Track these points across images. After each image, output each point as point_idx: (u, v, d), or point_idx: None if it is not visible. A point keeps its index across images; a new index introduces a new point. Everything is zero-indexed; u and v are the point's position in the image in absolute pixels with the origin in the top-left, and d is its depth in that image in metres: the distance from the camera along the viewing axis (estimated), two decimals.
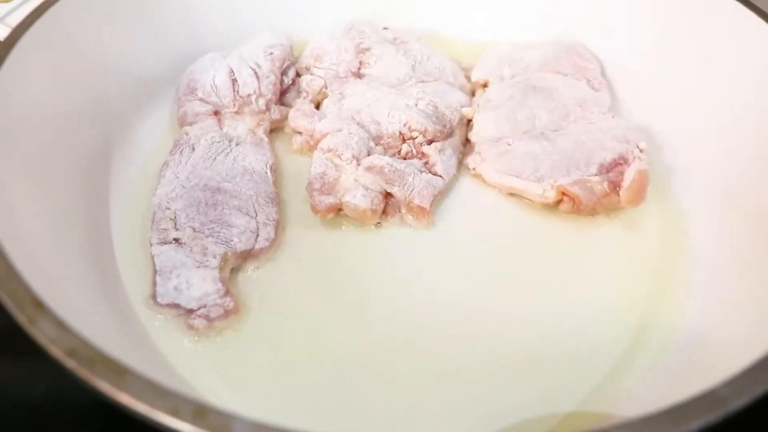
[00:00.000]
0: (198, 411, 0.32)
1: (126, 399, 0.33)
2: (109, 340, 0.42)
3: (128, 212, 0.65)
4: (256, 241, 0.60)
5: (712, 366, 0.49)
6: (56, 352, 0.36)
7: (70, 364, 0.36)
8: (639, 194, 0.62)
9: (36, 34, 0.60)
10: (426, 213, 0.63)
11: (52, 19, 0.62)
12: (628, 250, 0.63)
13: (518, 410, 0.51)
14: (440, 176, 0.66)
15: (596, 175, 0.64)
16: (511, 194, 0.67)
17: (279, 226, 0.63)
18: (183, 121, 0.71)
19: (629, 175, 0.63)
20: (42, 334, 0.37)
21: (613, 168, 0.64)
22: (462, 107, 0.71)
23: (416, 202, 0.63)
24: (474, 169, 0.68)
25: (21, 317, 0.38)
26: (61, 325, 0.38)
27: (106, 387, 0.34)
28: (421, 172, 0.65)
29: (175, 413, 0.32)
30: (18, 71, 0.58)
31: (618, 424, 0.35)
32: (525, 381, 0.53)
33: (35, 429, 0.54)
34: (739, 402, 0.37)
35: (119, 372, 0.35)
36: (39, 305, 0.38)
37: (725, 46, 0.67)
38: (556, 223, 0.65)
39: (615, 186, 0.63)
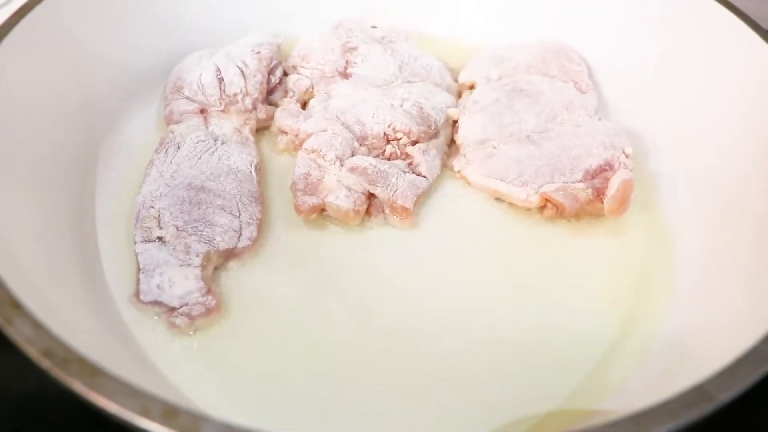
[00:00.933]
0: (167, 411, 0.33)
1: (98, 399, 0.34)
2: (89, 338, 0.43)
3: (114, 210, 0.65)
4: (238, 240, 0.61)
5: (695, 363, 0.49)
6: (31, 351, 0.37)
7: (44, 363, 0.36)
8: (623, 204, 0.63)
9: (23, 31, 0.60)
10: (409, 213, 0.63)
11: (40, 17, 0.63)
12: (612, 251, 0.64)
13: (504, 407, 0.52)
14: (424, 176, 0.66)
15: (581, 181, 0.64)
16: (496, 197, 0.67)
17: (262, 225, 0.63)
18: (169, 120, 0.71)
19: (613, 185, 0.63)
20: (18, 333, 0.37)
21: (599, 174, 0.64)
22: (448, 108, 0.72)
23: (399, 202, 0.63)
24: (459, 171, 0.68)
25: None
26: (37, 325, 0.38)
27: (79, 387, 0.35)
28: (405, 172, 0.66)
29: (145, 413, 0.33)
30: (4, 67, 0.58)
31: (607, 423, 0.35)
32: (509, 379, 0.54)
33: (25, 422, 0.55)
34: (724, 397, 0.37)
35: (92, 372, 0.35)
36: (16, 305, 0.39)
37: (712, 51, 0.67)
38: (540, 226, 0.65)
39: (599, 193, 0.63)
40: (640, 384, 0.52)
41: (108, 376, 0.35)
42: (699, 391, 0.38)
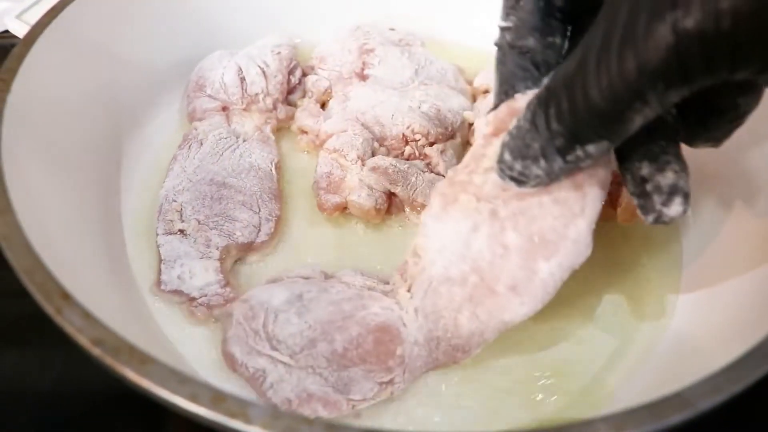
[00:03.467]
0: (215, 397, 0.35)
1: (149, 386, 0.36)
2: (125, 328, 0.44)
3: (138, 204, 0.67)
4: (257, 235, 0.63)
5: (696, 368, 0.49)
6: (83, 341, 0.39)
7: (95, 352, 0.38)
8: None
9: (53, 32, 0.62)
10: None
11: (68, 19, 0.65)
12: (614, 253, 0.65)
13: (501, 413, 0.53)
14: (443, 175, 0.68)
15: None
16: None
17: (280, 221, 0.66)
18: (192, 117, 0.73)
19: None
20: (69, 323, 0.39)
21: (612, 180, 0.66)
22: (464, 111, 0.74)
23: (419, 200, 0.65)
24: None
25: (49, 308, 0.40)
26: (86, 314, 0.40)
27: (130, 374, 0.37)
28: (424, 172, 0.68)
29: (194, 399, 0.35)
30: (37, 68, 0.60)
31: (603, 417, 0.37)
32: (508, 383, 0.55)
33: (42, 421, 0.56)
34: (706, 404, 0.38)
35: (142, 360, 0.37)
36: (66, 296, 0.41)
37: None
38: None
39: (611, 198, 0.64)
40: (638, 390, 0.53)
41: (158, 364, 0.37)
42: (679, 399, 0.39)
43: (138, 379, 0.36)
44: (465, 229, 0.51)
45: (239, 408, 0.34)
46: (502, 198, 0.50)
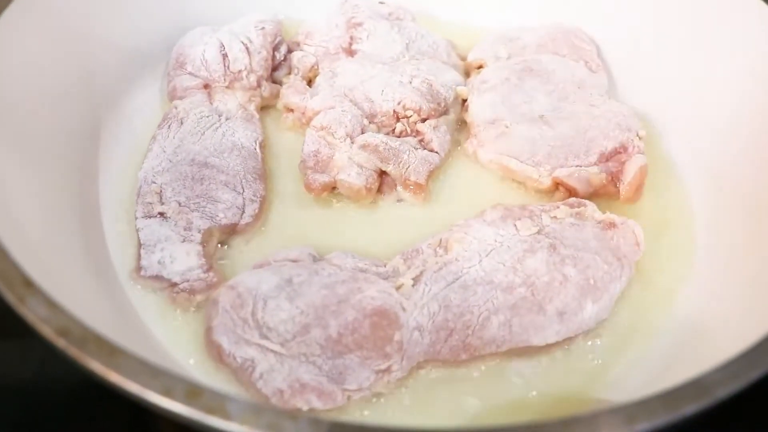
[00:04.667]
0: (191, 391, 0.32)
1: (117, 379, 0.33)
2: (97, 317, 0.41)
3: (117, 188, 0.64)
4: (241, 217, 0.60)
5: (701, 354, 0.49)
6: (46, 331, 0.36)
7: (60, 343, 0.35)
8: (638, 191, 0.62)
9: (21, 7, 0.59)
10: (422, 188, 0.63)
11: None
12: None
13: (511, 393, 0.52)
14: (436, 152, 0.65)
15: (595, 164, 0.63)
16: (508, 178, 0.66)
17: (265, 202, 0.62)
18: (173, 96, 0.70)
19: (630, 171, 0.62)
20: (32, 313, 0.36)
21: (613, 157, 0.63)
22: (457, 86, 0.71)
23: (412, 178, 0.62)
24: (473, 153, 0.67)
25: (10, 297, 0.37)
26: (51, 303, 0.37)
27: (97, 366, 0.34)
28: (416, 149, 0.65)
29: (167, 393, 0.32)
30: (4, 46, 0.56)
31: (612, 408, 0.34)
32: (517, 364, 0.53)
33: (23, 410, 0.54)
34: (726, 391, 0.36)
35: (110, 351, 0.34)
36: (28, 284, 0.38)
37: (725, 29, 0.66)
38: None
39: (613, 177, 0.62)
40: (644, 374, 0.52)
41: (127, 355, 0.34)
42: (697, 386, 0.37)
43: (105, 372, 0.33)
44: (521, 246, 0.54)
45: (217, 403, 0.31)
46: (561, 240, 0.55)
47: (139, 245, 0.58)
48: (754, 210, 0.58)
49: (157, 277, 0.56)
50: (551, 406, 0.50)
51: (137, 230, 0.58)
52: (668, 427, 0.35)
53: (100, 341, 0.35)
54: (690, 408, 0.35)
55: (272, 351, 0.49)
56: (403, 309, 0.51)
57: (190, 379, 0.33)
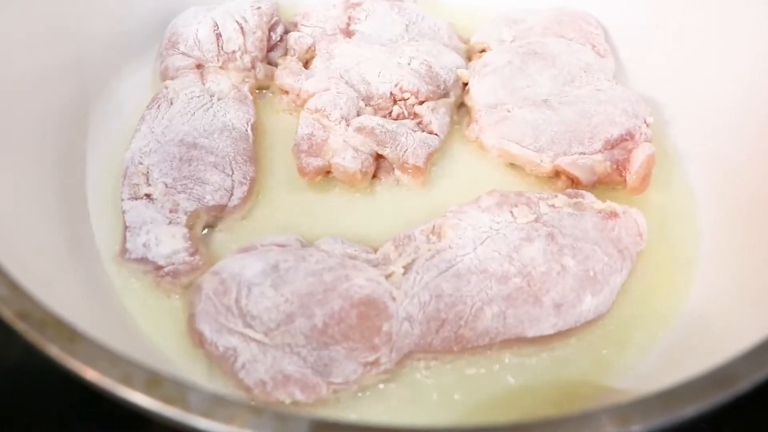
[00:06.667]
0: (151, 380, 0.30)
1: (75, 365, 0.31)
2: (72, 299, 0.40)
3: (105, 171, 0.62)
4: (229, 199, 0.58)
5: (710, 345, 0.47)
6: (6, 313, 0.34)
7: (20, 326, 0.33)
8: (645, 180, 0.59)
9: None
10: (421, 171, 0.60)
11: None
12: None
13: (503, 388, 0.50)
14: (436, 134, 0.63)
15: (600, 151, 0.60)
16: (509, 164, 0.64)
17: (255, 185, 0.61)
18: (165, 76, 0.68)
19: (637, 159, 0.59)
20: None
21: (618, 144, 0.61)
22: (458, 69, 0.68)
23: (411, 161, 0.60)
24: (476, 138, 0.65)
25: None
26: (12, 285, 0.35)
27: (55, 352, 0.32)
28: (414, 131, 0.62)
29: (126, 381, 0.30)
30: None
31: (632, 401, 0.32)
32: (511, 357, 0.51)
33: (9, 397, 0.53)
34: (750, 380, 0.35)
35: (70, 336, 0.32)
36: None
37: (735, 12, 0.63)
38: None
39: (618, 166, 0.59)
40: (654, 363, 0.51)
41: (87, 341, 0.32)
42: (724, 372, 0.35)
43: (64, 357, 0.31)
44: (517, 234, 0.52)
45: (177, 393, 0.29)
46: (560, 229, 0.52)
47: (125, 227, 0.56)
48: (760, 200, 0.56)
49: (142, 260, 0.54)
50: (543, 402, 0.48)
51: (123, 212, 0.57)
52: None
53: (60, 325, 0.33)
54: (687, 411, 0.33)
55: (255, 340, 0.47)
56: (393, 298, 0.49)
57: (151, 367, 0.31)
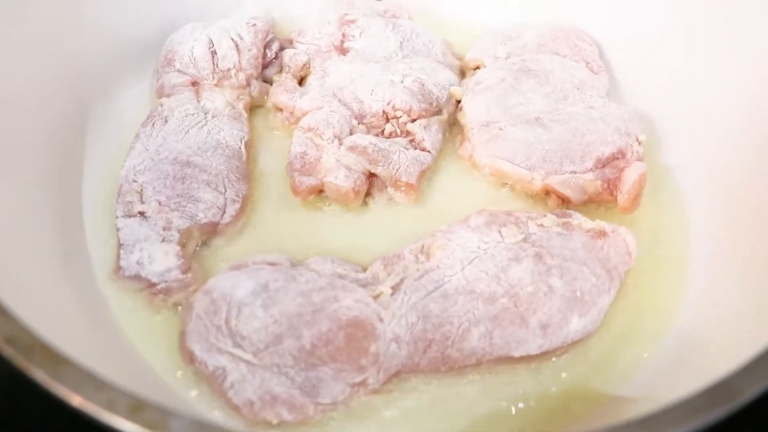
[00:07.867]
0: (135, 406, 0.30)
1: (60, 390, 0.31)
2: (63, 321, 0.40)
3: (101, 188, 0.63)
4: (222, 217, 0.59)
5: (699, 363, 0.48)
6: None
7: (7, 351, 0.33)
8: (636, 200, 0.59)
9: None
10: (414, 189, 0.61)
11: None
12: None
13: (511, 398, 0.50)
14: (428, 151, 0.63)
15: (591, 170, 0.60)
16: (502, 183, 0.64)
17: (248, 203, 0.61)
18: (161, 93, 0.68)
19: (628, 179, 0.59)
20: None
21: (609, 163, 0.61)
22: (451, 86, 0.68)
23: (403, 179, 0.60)
24: (470, 156, 0.65)
25: None
26: (0, 309, 0.35)
27: (41, 377, 0.32)
28: (407, 149, 0.63)
29: (110, 407, 0.30)
30: None
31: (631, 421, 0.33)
32: (515, 371, 0.52)
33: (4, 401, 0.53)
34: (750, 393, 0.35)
35: (56, 361, 0.32)
36: None
37: (731, 31, 0.63)
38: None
39: (609, 185, 0.59)
40: (656, 372, 0.51)
41: (73, 366, 0.32)
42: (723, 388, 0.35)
43: (50, 383, 0.32)
44: (505, 254, 0.52)
45: (160, 419, 0.30)
46: (548, 249, 0.51)
47: (119, 245, 0.56)
48: (752, 218, 0.56)
49: (136, 277, 0.55)
50: (531, 421, 0.49)
51: (117, 230, 0.57)
52: None
53: (47, 350, 0.33)
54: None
55: (244, 360, 0.47)
56: (381, 319, 0.49)
57: (133, 393, 0.31)
